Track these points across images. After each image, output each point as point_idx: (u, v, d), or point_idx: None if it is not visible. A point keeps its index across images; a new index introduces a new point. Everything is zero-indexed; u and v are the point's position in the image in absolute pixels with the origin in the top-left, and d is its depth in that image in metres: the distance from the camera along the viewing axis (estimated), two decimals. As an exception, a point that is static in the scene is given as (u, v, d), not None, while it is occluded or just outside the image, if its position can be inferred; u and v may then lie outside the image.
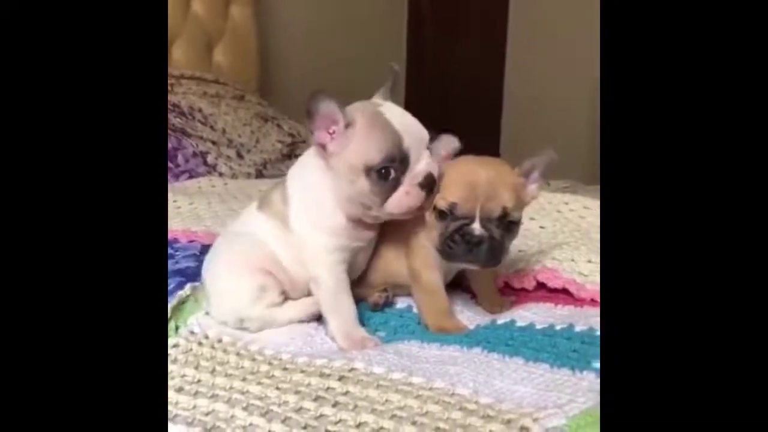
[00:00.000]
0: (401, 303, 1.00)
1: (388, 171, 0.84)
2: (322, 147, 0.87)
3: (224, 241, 0.98)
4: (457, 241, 0.86)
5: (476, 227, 0.85)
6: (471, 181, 0.86)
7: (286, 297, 0.95)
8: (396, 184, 0.85)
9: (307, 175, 0.92)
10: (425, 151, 0.88)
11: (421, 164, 0.87)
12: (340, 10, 3.14)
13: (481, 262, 0.87)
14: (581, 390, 0.69)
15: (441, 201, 0.87)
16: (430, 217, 0.89)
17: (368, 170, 0.84)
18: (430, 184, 0.87)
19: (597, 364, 0.74)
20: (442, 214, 0.88)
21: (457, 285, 1.03)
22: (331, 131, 0.86)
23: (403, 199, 0.86)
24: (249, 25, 2.66)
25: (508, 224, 0.87)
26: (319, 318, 0.93)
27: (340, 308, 0.90)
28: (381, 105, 0.90)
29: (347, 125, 0.85)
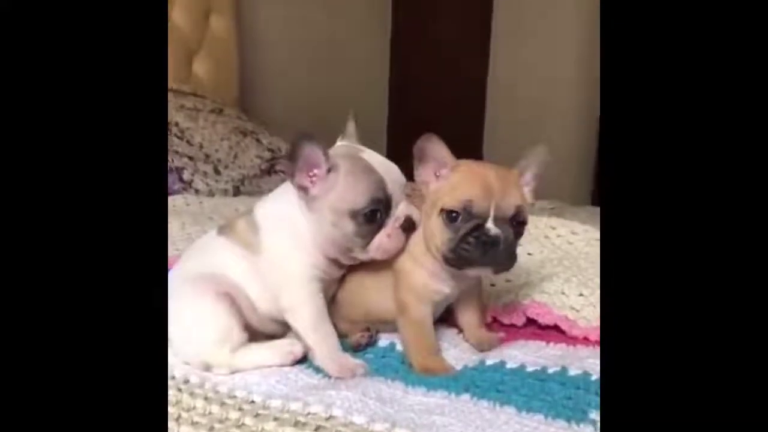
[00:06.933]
0: (383, 341, 0.93)
1: (375, 214, 0.85)
2: (303, 190, 0.86)
3: (182, 275, 0.90)
4: (471, 243, 0.80)
5: (491, 226, 0.80)
6: (484, 179, 0.82)
7: (249, 329, 0.88)
8: (380, 227, 0.86)
9: (284, 211, 0.89)
10: (404, 195, 0.88)
11: (402, 207, 0.87)
12: (323, 23, 3.09)
13: (498, 264, 0.83)
14: (579, 446, 0.64)
15: (451, 201, 0.82)
16: (436, 221, 0.83)
17: (354, 214, 0.84)
18: (410, 227, 0.87)
19: (594, 415, 0.69)
20: (451, 216, 0.82)
21: (442, 320, 0.97)
22: (311, 174, 0.85)
23: (385, 241, 0.86)
24: (229, 37, 2.59)
25: (518, 225, 0.83)
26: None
27: (325, 336, 0.87)
28: (362, 151, 0.90)
29: (329, 170, 0.85)
